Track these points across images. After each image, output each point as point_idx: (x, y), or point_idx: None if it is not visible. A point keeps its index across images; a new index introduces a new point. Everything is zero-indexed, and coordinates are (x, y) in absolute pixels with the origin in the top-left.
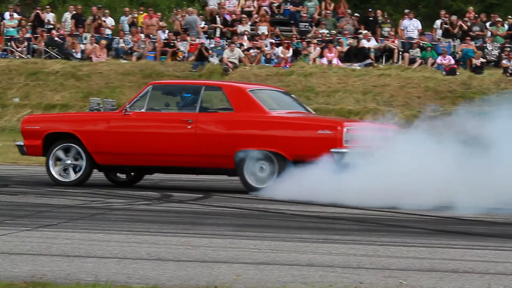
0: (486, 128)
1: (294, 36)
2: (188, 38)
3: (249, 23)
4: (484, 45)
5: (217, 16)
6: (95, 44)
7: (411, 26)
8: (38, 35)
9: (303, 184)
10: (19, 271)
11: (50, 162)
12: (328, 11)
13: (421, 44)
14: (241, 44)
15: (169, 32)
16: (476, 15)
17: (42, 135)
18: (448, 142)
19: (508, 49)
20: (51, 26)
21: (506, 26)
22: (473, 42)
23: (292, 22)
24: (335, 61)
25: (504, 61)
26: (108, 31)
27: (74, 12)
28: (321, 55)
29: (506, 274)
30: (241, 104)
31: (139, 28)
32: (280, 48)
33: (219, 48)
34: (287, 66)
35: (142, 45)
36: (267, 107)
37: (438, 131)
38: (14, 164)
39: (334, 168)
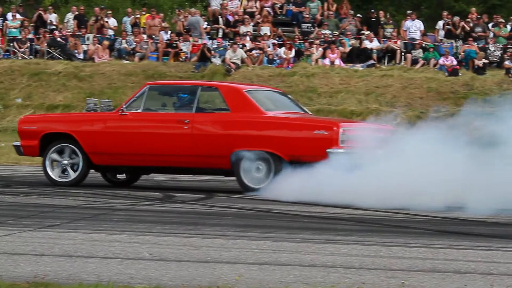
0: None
1: (296, 37)
2: (191, 39)
3: (252, 23)
4: (487, 46)
5: (219, 16)
6: (97, 45)
7: (414, 27)
8: (40, 36)
9: (300, 184)
10: (22, 272)
11: (47, 163)
12: (331, 12)
13: (423, 45)
14: (244, 45)
15: (171, 33)
16: (479, 16)
17: (38, 135)
18: (453, 143)
19: (511, 50)
20: (54, 27)
21: (509, 27)
22: (476, 43)
23: (294, 23)
24: (337, 61)
25: (506, 62)
26: (111, 32)
27: (77, 12)
28: (323, 56)
29: (508, 275)
30: (238, 104)
31: (142, 28)
32: (283, 48)
33: (222, 48)
34: (290, 67)
35: (144, 46)
36: (264, 108)
37: (443, 131)
38: (16, 164)
39: (332, 169)
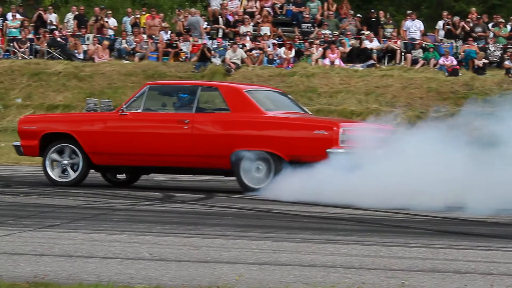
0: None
1: (296, 37)
2: (191, 39)
3: (252, 23)
4: (487, 46)
5: (219, 16)
6: (97, 45)
7: (414, 27)
8: (40, 36)
9: (300, 184)
10: (22, 272)
11: (47, 163)
12: (331, 12)
13: (423, 45)
14: (244, 45)
15: (171, 33)
16: (479, 16)
17: (38, 135)
18: (453, 143)
19: (511, 50)
20: (54, 27)
21: (509, 27)
22: (476, 43)
23: (294, 23)
24: (337, 61)
25: (506, 62)
26: (111, 32)
27: (77, 12)
28: (323, 56)
29: (508, 275)
30: (238, 104)
31: (142, 28)
32: (283, 49)
33: (222, 48)
34: (290, 67)
35: (144, 46)
36: (264, 108)
37: (443, 131)
38: (17, 164)
39: (332, 169)
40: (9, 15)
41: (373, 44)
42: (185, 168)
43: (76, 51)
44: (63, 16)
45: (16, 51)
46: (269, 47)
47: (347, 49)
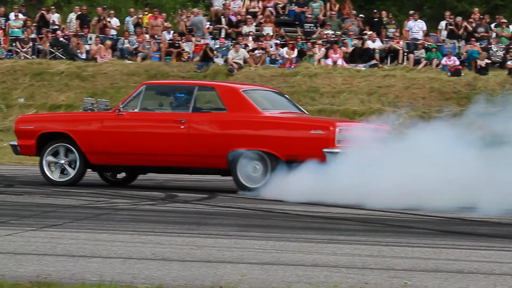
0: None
1: (299, 37)
2: (193, 39)
3: (254, 24)
4: (489, 46)
5: (222, 17)
6: (100, 45)
7: (416, 27)
8: (43, 36)
9: (296, 184)
10: (24, 271)
11: (44, 162)
12: (333, 12)
13: (426, 45)
14: (246, 45)
15: (174, 33)
16: (481, 16)
17: (35, 135)
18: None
19: None
20: (56, 27)
21: (511, 28)
22: (478, 43)
23: (297, 23)
24: (340, 62)
25: (509, 62)
26: (113, 32)
27: (79, 12)
28: (326, 56)
29: (511, 275)
30: (234, 104)
31: (144, 28)
32: (285, 49)
33: (224, 48)
34: (292, 67)
35: (147, 46)
36: (260, 107)
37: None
38: (19, 164)
39: (328, 168)
40: (12, 15)
41: (376, 44)
42: (182, 168)
43: (78, 51)
44: (66, 16)
45: (18, 51)
46: (271, 47)
47: (350, 49)
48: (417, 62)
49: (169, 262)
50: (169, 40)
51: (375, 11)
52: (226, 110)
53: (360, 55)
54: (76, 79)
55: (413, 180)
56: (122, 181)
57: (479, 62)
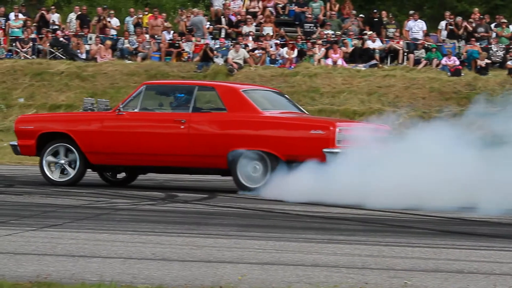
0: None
1: (299, 37)
2: (193, 39)
3: (254, 24)
4: (489, 46)
5: (222, 17)
6: (100, 45)
7: (416, 27)
8: (43, 36)
9: (296, 184)
10: (24, 271)
11: (44, 162)
12: (333, 12)
13: (426, 45)
14: (246, 45)
15: (174, 33)
16: (481, 16)
17: (35, 135)
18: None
19: None
20: (56, 27)
21: (511, 28)
22: (478, 43)
23: (297, 23)
24: (340, 62)
25: (509, 62)
26: (113, 32)
27: (79, 12)
28: (326, 56)
29: (511, 275)
30: (234, 104)
31: (144, 28)
32: (285, 49)
33: (224, 48)
34: (292, 67)
35: (147, 46)
36: (260, 107)
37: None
38: (19, 164)
39: (328, 168)
40: (12, 15)
41: (376, 44)
42: (182, 168)
43: (78, 51)
44: (66, 16)
45: (18, 51)
46: (271, 47)
47: (350, 49)
48: (417, 62)
49: (169, 262)
50: (169, 40)
51: (375, 11)
52: (226, 110)
53: (360, 55)
54: (76, 79)
55: (413, 180)
56: (122, 181)
57: (479, 62)
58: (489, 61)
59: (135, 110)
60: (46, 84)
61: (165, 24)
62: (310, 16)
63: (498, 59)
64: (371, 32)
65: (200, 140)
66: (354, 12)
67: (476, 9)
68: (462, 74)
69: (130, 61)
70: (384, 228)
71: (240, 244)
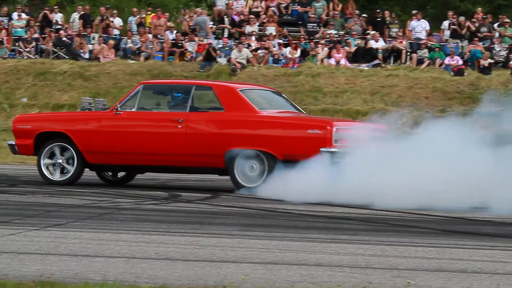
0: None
1: (302, 36)
2: (196, 39)
3: (257, 23)
4: (492, 46)
5: (225, 16)
6: (103, 45)
7: (419, 26)
8: (46, 36)
9: (293, 183)
10: (28, 271)
11: (42, 162)
12: (336, 12)
13: (429, 44)
14: (249, 45)
15: (177, 33)
16: (484, 16)
17: (33, 134)
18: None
19: None
20: (59, 27)
21: None
22: (481, 43)
23: (300, 22)
24: (343, 61)
25: None
26: (116, 32)
27: (82, 12)
28: (329, 56)
29: None
30: (232, 103)
31: (147, 28)
32: (288, 48)
33: (227, 48)
34: (295, 66)
35: (150, 46)
36: (258, 107)
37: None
38: (23, 164)
39: (326, 168)
40: (15, 15)
41: (379, 44)
42: (180, 167)
43: (81, 50)
44: (69, 15)
45: (21, 50)
46: (274, 46)
47: (353, 49)
48: (420, 61)
49: (172, 262)
50: (172, 40)
51: (378, 10)
52: (223, 110)
53: (363, 55)
54: (79, 78)
55: (422, 180)
56: (120, 181)
57: (482, 61)
58: (492, 61)
59: (133, 110)
60: (49, 84)
61: (168, 23)
62: (313, 16)
63: (501, 59)
64: (374, 32)
65: (197, 139)
66: (357, 12)
67: (479, 9)
68: (465, 74)
69: (133, 61)
70: (388, 227)
71: (244, 244)
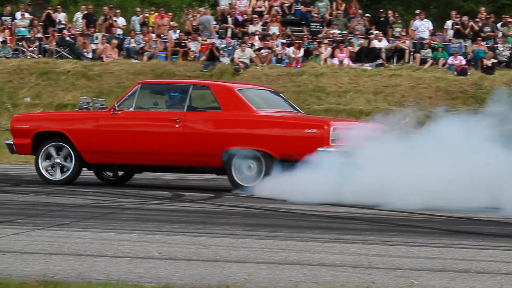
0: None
1: (305, 36)
2: (199, 38)
3: (260, 23)
4: (495, 45)
5: (228, 16)
6: (106, 44)
7: (422, 26)
8: (49, 35)
9: (292, 183)
10: (31, 270)
11: (40, 161)
12: (339, 12)
13: (432, 44)
14: (252, 44)
15: (180, 32)
16: (487, 16)
17: (31, 134)
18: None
19: None
20: (62, 26)
21: None
22: (484, 42)
23: (303, 22)
24: (346, 61)
25: None
26: (119, 31)
27: (85, 12)
28: (332, 55)
29: None
30: (229, 103)
31: (150, 28)
32: (291, 48)
33: (230, 48)
34: (298, 66)
35: (153, 45)
36: (255, 106)
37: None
38: (26, 163)
39: (324, 167)
40: (18, 14)
41: (382, 44)
42: (177, 167)
43: (84, 50)
44: (72, 15)
45: (25, 50)
46: (277, 46)
47: (356, 48)
48: (423, 61)
49: (175, 261)
50: (175, 40)
51: (381, 10)
52: (221, 109)
53: (366, 55)
54: (82, 78)
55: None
56: (118, 180)
57: (485, 61)
58: (495, 61)
59: (130, 109)
60: (52, 84)
61: (171, 23)
62: (316, 15)
63: (504, 59)
64: (377, 32)
65: (195, 139)
66: (360, 11)
67: (483, 8)
68: (469, 73)
69: (136, 61)
70: (391, 227)
71: (247, 244)
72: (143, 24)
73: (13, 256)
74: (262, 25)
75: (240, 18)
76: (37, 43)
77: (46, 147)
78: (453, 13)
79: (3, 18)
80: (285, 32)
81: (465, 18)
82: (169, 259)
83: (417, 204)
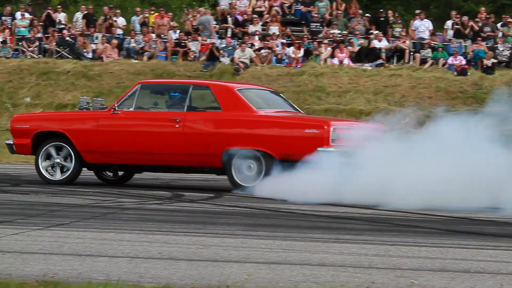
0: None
1: (305, 36)
2: (199, 38)
3: (260, 23)
4: (495, 45)
5: (228, 16)
6: (106, 44)
7: (422, 26)
8: (49, 35)
9: (292, 183)
10: (31, 270)
11: (40, 161)
12: (339, 12)
13: (432, 44)
14: (252, 44)
15: (180, 32)
16: (487, 16)
17: (31, 134)
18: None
19: None
20: (62, 26)
21: None
22: (484, 42)
23: (303, 22)
24: (346, 61)
25: None
26: (119, 31)
27: (85, 12)
28: (332, 55)
29: None
30: (229, 103)
31: (150, 28)
32: (291, 48)
33: (230, 48)
34: (298, 66)
35: (153, 45)
36: (255, 106)
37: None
38: (26, 163)
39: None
40: (18, 14)
41: (382, 44)
42: (177, 167)
43: (84, 50)
44: (72, 15)
45: (25, 50)
46: (277, 46)
47: (356, 48)
48: (423, 61)
49: (175, 261)
50: (175, 40)
51: (381, 10)
52: (221, 109)
53: (366, 55)
54: (82, 78)
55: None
56: (118, 180)
57: (485, 61)
58: (495, 61)
59: (130, 109)
60: (52, 84)
61: (171, 23)
62: (316, 15)
63: (504, 59)
64: (377, 32)
65: (195, 139)
66: (360, 11)
67: (483, 8)
68: (469, 73)
69: (136, 61)
70: (391, 227)
71: (247, 244)
72: (143, 24)
73: (13, 256)
74: (262, 25)
75: (240, 18)
76: (37, 43)
77: (46, 147)
78: (453, 13)
79: (3, 18)
80: (285, 32)
81: (465, 18)
82: (169, 259)
83: (417, 204)
